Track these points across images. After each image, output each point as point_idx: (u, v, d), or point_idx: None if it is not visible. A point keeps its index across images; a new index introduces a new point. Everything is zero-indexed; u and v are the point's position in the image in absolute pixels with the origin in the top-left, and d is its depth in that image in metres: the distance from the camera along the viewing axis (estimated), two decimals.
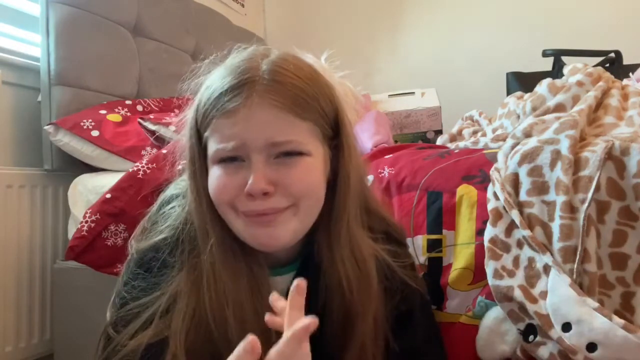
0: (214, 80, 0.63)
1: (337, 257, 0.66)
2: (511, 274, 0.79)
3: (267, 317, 0.56)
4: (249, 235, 0.63)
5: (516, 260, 0.80)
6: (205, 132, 0.63)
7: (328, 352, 0.64)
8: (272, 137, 0.60)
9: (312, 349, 0.62)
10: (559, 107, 1.01)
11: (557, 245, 0.76)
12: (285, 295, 0.59)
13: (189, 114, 0.66)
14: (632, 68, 1.42)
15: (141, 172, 1.22)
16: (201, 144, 0.65)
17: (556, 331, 0.72)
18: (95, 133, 1.47)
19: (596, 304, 0.70)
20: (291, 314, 0.53)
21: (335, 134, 0.67)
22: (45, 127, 1.51)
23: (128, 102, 1.69)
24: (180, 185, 0.75)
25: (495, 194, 0.85)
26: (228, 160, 0.61)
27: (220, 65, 0.66)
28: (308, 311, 0.62)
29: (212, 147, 0.62)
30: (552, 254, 0.76)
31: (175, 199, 0.73)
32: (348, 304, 0.66)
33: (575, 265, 0.74)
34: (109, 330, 0.67)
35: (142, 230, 0.74)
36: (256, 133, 0.59)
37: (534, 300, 0.75)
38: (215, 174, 0.63)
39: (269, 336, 0.59)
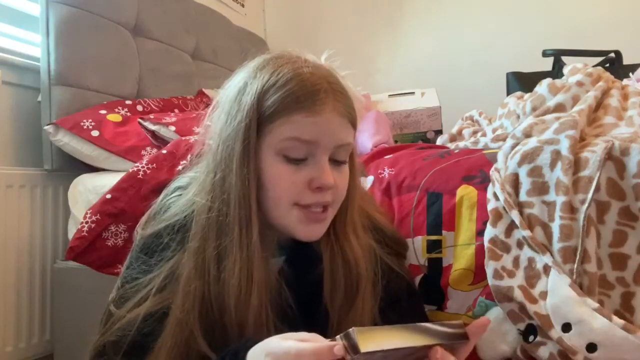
0: (284, 78, 0.67)
1: (345, 236, 0.74)
2: (511, 275, 0.79)
3: None
4: (300, 227, 0.70)
5: (516, 261, 0.80)
6: (269, 125, 0.67)
7: (328, 328, 0.71)
8: (340, 140, 0.69)
9: (315, 323, 0.69)
10: (559, 107, 1.01)
11: (557, 245, 0.76)
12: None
13: (241, 106, 0.68)
14: (632, 68, 1.42)
15: (141, 173, 1.22)
16: (257, 134, 0.68)
17: (556, 331, 0.72)
18: (95, 133, 1.47)
19: (596, 305, 0.70)
20: None
21: None
22: (45, 127, 1.51)
23: (128, 102, 1.69)
24: (183, 180, 0.79)
25: (495, 195, 0.85)
26: (293, 161, 0.68)
27: (266, 67, 0.70)
28: (306, 287, 0.72)
29: (282, 134, 0.67)
30: (552, 255, 0.76)
31: (179, 190, 0.78)
32: (353, 278, 0.72)
33: (575, 266, 0.74)
34: (110, 307, 0.73)
35: (147, 219, 0.78)
36: (330, 135, 0.68)
37: (533, 301, 0.75)
38: (280, 170, 0.68)
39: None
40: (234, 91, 0.70)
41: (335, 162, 0.70)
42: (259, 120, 0.67)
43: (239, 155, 0.67)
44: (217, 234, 0.68)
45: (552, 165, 0.81)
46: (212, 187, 0.69)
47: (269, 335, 0.56)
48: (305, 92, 0.66)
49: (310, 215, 0.69)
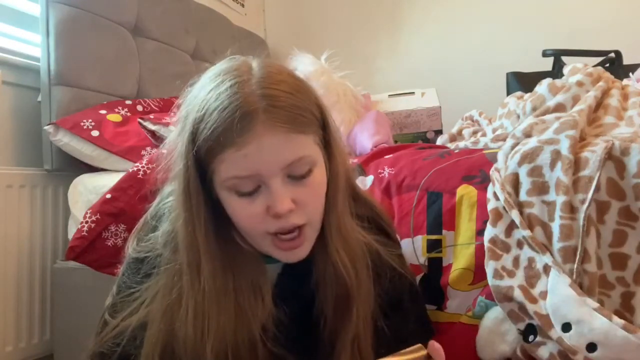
0: (209, 111, 0.61)
1: (330, 245, 0.68)
2: (511, 274, 0.79)
3: None
4: (278, 253, 0.66)
5: (516, 261, 0.80)
6: (211, 164, 0.62)
7: (324, 337, 0.69)
8: (285, 160, 0.61)
9: (307, 335, 0.68)
10: (559, 107, 1.01)
11: (557, 245, 0.76)
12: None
13: (180, 146, 0.65)
14: (632, 68, 1.42)
15: (141, 172, 1.22)
16: (201, 175, 0.64)
17: (556, 331, 0.72)
18: (95, 133, 1.47)
19: (596, 304, 0.70)
20: None
21: (323, 131, 0.68)
22: (45, 127, 1.51)
23: (128, 102, 1.69)
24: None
25: (495, 194, 0.85)
26: (246, 194, 0.62)
27: (203, 89, 0.64)
28: (300, 297, 0.69)
29: (224, 174, 0.62)
30: (552, 254, 0.76)
31: (173, 194, 0.75)
32: (343, 289, 0.69)
33: (575, 266, 0.74)
34: (105, 316, 0.73)
35: (142, 224, 0.77)
36: (269, 160, 0.61)
37: (533, 301, 0.75)
38: (236, 204, 0.63)
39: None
40: (180, 124, 0.66)
41: (294, 177, 0.63)
42: (200, 159, 0.63)
43: (181, 198, 0.64)
44: (174, 278, 0.66)
45: (552, 165, 0.81)
46: (169, 226, 0.68)
47: None
48: (227, 123, 0.59)
49: (283, 244, 0.65)
